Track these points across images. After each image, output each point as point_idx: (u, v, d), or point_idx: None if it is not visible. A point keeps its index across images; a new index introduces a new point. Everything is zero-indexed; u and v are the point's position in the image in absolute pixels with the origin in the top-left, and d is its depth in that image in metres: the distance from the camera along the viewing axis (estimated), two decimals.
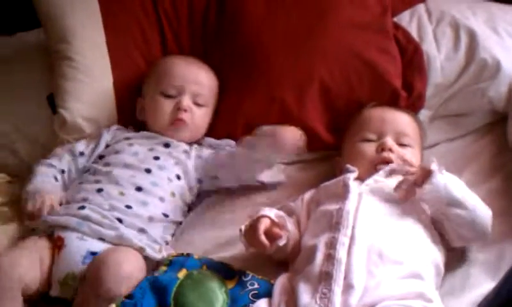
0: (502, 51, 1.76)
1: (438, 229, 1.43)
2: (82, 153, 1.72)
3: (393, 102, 1.73)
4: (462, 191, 1.39)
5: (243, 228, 1.44)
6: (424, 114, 1.76)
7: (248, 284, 1.41)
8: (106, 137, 1.75)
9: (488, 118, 1.79)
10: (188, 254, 1.49)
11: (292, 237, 1.47)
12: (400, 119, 1.64)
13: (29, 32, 2.08)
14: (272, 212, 1.45)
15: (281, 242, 1.41)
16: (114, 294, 1.37)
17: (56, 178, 1.66)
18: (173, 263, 1.48)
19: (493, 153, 1.70)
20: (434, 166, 1.37)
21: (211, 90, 1.79)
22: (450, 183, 1.38)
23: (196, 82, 1.76)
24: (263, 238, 1.39)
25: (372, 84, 1.75)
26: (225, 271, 1.44)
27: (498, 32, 1.80)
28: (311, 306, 1.28)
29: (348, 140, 1.66)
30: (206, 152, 1.74)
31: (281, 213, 1.48)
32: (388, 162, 1.54)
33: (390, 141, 1.57)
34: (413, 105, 1.75)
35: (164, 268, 1.48)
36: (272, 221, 1.43)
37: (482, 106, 1.77)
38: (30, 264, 1.45)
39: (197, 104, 1.75)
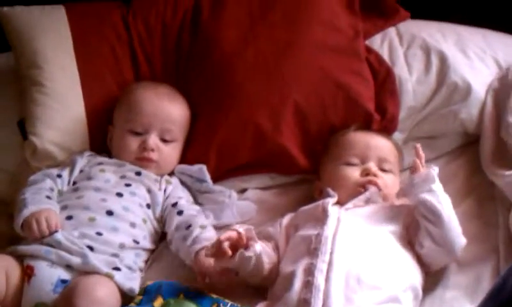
0: (472, 73, 1.78)
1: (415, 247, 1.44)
2: (59, 176, 1.69)
3: (366, 124, 1.74)
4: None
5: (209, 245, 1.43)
6: (397, 136, 1.77)
7: None
8: (80, 163, 1.72)
9: (460, 140, 1.81)
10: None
11: (269, 260, 1.46)
12: (383, 146, 1.65)
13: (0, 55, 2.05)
14: (241, 227, 1.43)
15: (247, 253, 1.39)
16: None
17: (48, 197, 1.61)
18: (147, 291, 1.46)
19: (466, 175, 1.72)
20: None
21: (181, 124, 1.77)
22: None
23: (165, 119, 1.73)
24: (225, 245, 1.38)
25: (345, 106, 1.76)
26: (203, 299, 1.43)
27: (468, 54, 1.83)
28: None
29: (329, 163, 1.66)
30: (174, 192, 1.70)
31: (250, 227, 1.46)
32: (373, 184, 1.56)
33: (374, 167, 1.59)
34: (386, 128, 1.76)
35: (139, 297, 1.46)
36: (239, 234, 1.41)
37: (454, 128, 1.79)
38: None
39: (165, 140, 1.73)
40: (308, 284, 1.33)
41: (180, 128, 1.76)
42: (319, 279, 1.33)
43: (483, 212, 1.58)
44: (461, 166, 1.75)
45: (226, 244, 1.39)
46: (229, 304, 1.41)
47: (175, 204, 1.66)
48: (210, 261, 1.45)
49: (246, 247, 1.40)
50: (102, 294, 1.40)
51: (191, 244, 1.54)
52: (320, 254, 1.37)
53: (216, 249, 1.40)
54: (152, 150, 1.70)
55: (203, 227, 1.58)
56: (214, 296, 1.44)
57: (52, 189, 1.65)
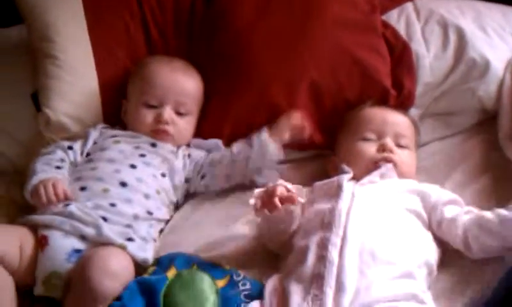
0: (490, 50, 1.76)
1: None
2: (70, 147, 1.68)
3: (383, 100, 1.73)
4: None
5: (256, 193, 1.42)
6: (413, 112, 1.75)
7: (239, 284, 1.39)
8: (93, 135, 1.72)
9: (477, 116, 1.79)
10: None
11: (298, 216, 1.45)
12: (400, 121, 1.64)
13: (11, 28, 2.03)
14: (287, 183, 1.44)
15: (293, 206, 1.39)
16: (102, 291, 1.35)
17: (57, 167, 1.61)
18: (161, 262, 1.46)
19: (482, 153, 1.70)
20: None
21: (196, 98, 1.77)
22: None
23: (180, 92, 1.72)
24: (276, 200, 1.37)
25: (362, 82, 1.75)
26: (216, 270, 1.43)
27: (487, 31, 1.81)
28: None
29: (346, 138, 1.65)
30: (195, 152, 1.72)
31: (299, 186, 1.46)
32: (389, 161, 1.55)
33: (390, 142, 1.58)
34: (402, 104, 1.74)
35: (152, 268, 1.46)
36: (288, 189, 1.41)
37: (471, 105, 1.77)
38: (8, 242, 1.43)
39: (180, 113, 1.73)
40: (322, 259, 1.33)
41: (195, 102, 1.76)
42: (333, 253, 1.33)
43: (499, 190, 1.56)
44: (478, 143, 1.73)
45: (276, 199, 1.38)
46: (242, 275, 1.41)
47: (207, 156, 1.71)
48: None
49: (293, 201, 1.40)
50: (115, 266, 1.40)
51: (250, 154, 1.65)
52: (334, 228, 1.37)
53: (267, 199, 1.39)
54: (167, 123, 1.70)
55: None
56: (227, 267, 1.44)
57: (62, 160, 1.65)
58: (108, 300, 1.35)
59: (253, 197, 1.41)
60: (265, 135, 1.67)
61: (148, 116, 1.71)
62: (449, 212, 1.43)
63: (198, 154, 1.72)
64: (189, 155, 1.71)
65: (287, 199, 1.39)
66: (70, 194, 1.53)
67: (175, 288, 1.36)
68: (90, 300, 1.35)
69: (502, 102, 1.72)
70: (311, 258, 1.34)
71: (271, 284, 1.37)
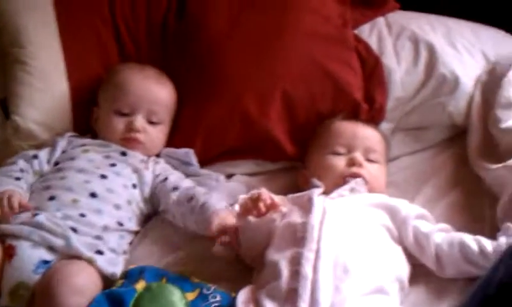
0: (460, 66, 1.78)
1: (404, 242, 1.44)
2: (35, 156, 1.66)
3: (354, 113, 1.73)
4: None
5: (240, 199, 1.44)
6: (384, 126, 1.76)
7: (209, 297, 1.38)
8: (61, 144, 1.69)
9: (448, 132, 1.80)
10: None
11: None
12: (371, 136, 1.64)
13: None
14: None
15: (275, 215, 1.42)
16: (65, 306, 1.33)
17: (17, 178, 1.58)
18: (129, 275, 1.44)
19: (453, 168, 1.71)
20: None
21: (168, 107, 1.75)
22: None
23: (152, 101, 1.70)
24: (261, 205, 1.40)
25: (333, 95, 1.75)
26: (185, 283, 1.41)
27: (457, 47, 1.82)
28: None
29: (316, 151, 1.65)
30: (160, 166, 1.69)
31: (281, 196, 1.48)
32: (358, 176, 1.55)
33: (359, 156, 1.58)
34: (373, 118, 1.75)
35: (120, 281, 1.44)
36: (271, 197, 1.43)
37: (442, 120, 1.79)
38: None
39: (151, 122, 1.71)
40: (296, 274, 1.32)
41: (167, 111, 1.74)
42: (307, 268, 1.32)
43: (469, 204, 1.58)
44: (448, 158, 1.74)
45: (262, 204, 1.40)
46: (212, 289, 1.40)
47: (164, 180, 1.64)
48: (232, 219, 1.47)
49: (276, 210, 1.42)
50: (81, 282, 1.38)
51: (202, 212, 1.52)
52: (307, 243, 1.36)
53: (251, 204, 1.40)
54: (139, 131, 1.68)
55: (206, 193, 1.58)
56: (196, 280, 1.43)
57: (22, 170, 1.61)
58: None
59: (237, 204, 1.42)
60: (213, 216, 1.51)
61: (120, 123, 1.69)
62: (420, 227, 1.43)
63: (162, 168, 1.69)
64: (153, 170, 1.68)
65: (271, 206, 1.40)
66: (26, 205, 1.51)
67: (144, 300, 1.34)
68: None
69: (471, 118, 1.73)
70: (285, 273, 1.33)
71: (243, 296, 1.36)
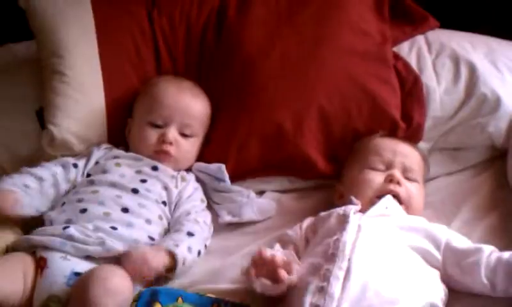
0: (502, 86, 1.74)
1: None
2: (75, 165, 1.66)
3: (391, 132, 1.71)
4: None
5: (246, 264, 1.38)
6: (422, 146, 1.73)
7: None
8: (97, 154, 1.70)
9: (487, 153, 1.76)
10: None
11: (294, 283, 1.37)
12: (410, 154, 1.63)
13: (20, 44, 2.04)
14: (278, 251, 1.40)
15: (294, 278, 1.34)
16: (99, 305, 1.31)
17: (25, 185, 1.58)
18: (143, 296, 1.39)
19: (491, 189, 1.67)
20: None
21: (202, 120, 1.75)
22: None
23: (186, 113, 1.70)
24: (282, 272, 1.32)
25: (371, 113, 1.73)
26: (201, 300, 1.38)
27: (498, 67, 1.79)
28: None
29: (353, 166, 1.63)
30: (189, 191, 1.67)
31: (288, 251, 1.42)
32: (394, 194, 1.52)
33: (398, 174, 1.56)
34: (411, 137, 1.72)
35: (134, 303, 1.38)
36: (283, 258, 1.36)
37: (481, 141, 1.75)
38: (12, 278, 1.40)
39: (184, 135, 1.71)
40: (322, 290, 1.29)
41: (201, 124, 1.74)
42: (334, 286, 1.28)
43: (507, 227, 1.53)
44: (486, 180, 1.70)
45: (282, 271, 1.32)
46: (229, 304, 1.37)
47: (187, 214, 1.61)
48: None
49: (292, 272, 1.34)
50: (116, 283, 1.36)
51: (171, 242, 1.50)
52: (337, 261, 1.33)
53: (270, 271, 1.33)
54: (171, 143, 1.68)
55: (190, 234, 1.55)
56: (213, 296, 1.40)
57: (41, 178, 1.60)
58: None
59: (248, 267, 1.36)
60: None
61: (152, 135, 1.69)
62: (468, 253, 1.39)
63: (189, 194, 1.67)
64: (181, 195, 1.65)
65: (286, 267, 1.33)
66: (18, 209, 1.51)
67: None
68: None
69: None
70: (311, 289, 1.30)
71: None
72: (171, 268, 1.48)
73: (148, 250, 1.46)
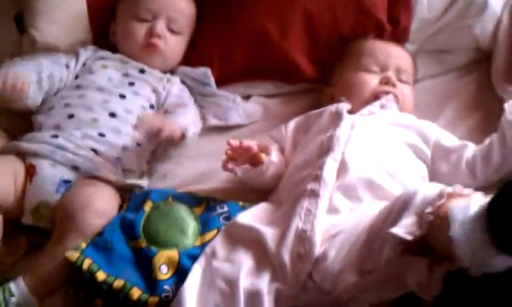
0: None
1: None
2: (67, 66, 1.64)
3: (377, 34, 1.69)
4: None
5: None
6: (408, 48, 1.72)
7: (217, 208, 1.39)
8: (84, 55, 1.68)
9: (472, 55, 1.76)
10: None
11: (275, 166, 1.45)
12: (403, 56, 1.63)
13: None
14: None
15: (273, 159, 1.42)
16: (86, 227, 1.35)
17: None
18: (134, 198, 1.44)
19: (475, 91, 1.68)
20: None
21: (188, 17, 1.73)
22: None
23: (173, 8, 1.69)
24: (261, 154, 1.41)
25: (356, 15, 1.71)
26: (191, 199, 1.42)
27: None
28: (295, 222, 1.26)
29: (346, 69, 1.63)
30: (175, 90, 1.68)
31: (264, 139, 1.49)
32: (391, 94, 1.54)
33: (393, 76, 1.57)
34: (397, 39, 1.71)
35: (126, 204, 1.44)
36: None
37: (467, 43, 1.74)
38: (2, 180, 1.42)
39: (172, 31, 1.69)
40: (317, 178, 1.32)
41: (187, 22, 1.73)
42: (329, 174, 1.32)
43: (490, 126, 1.53)
44: (471, 82, 1.71)
45: (261, 154, 1.41)
46: (218, 200, 1.41)
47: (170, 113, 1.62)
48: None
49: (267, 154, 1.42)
50: (103, 205, 1.40)
51: None
52: (332, 153, 1.36)
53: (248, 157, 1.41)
54: (159, 37, 1.66)
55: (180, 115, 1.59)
56: (203, 195, 1.43)
57: (50, 68, 1.59)
58: (90, 235, 1.34)
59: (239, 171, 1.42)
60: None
61: (140, 30, 1.67)
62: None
63: (176, 95, 1.68)
64: (169, 93, 1.66)
65: (263, 150, 1.42)
66: (26, 88, 1.51)
67: (153, 219, 1.35)
68: (73, 235, 1.34)
69: (497, 41, 1.69)
70: (307, 177, 1.34)
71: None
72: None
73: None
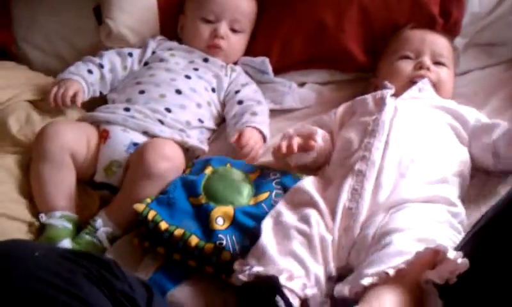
0: None
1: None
2: (130, 54, 1.80)
3: (429, 27, 1.74)
4: None
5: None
6: (458, 41, 1.78)
7: (270, 174, 1.49)
8: (152, 45, 1.83)
9: None
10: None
11: (322, 149, 1.53)
12: (438, 41, 1.68)
13: None
14: (295, 131, 1.54)
15: (312, 154, 1.50)
16: (156, 170, 1.48)
17: (89, 71, 1.73)
18: (196, 164, 1.56)
19: None
20: None
21: (249, 16, 1.85)
22: None
23: (235, 9, 1.81)
24: (310, 141, 1.49)
25: (410, 8, 1.77)
26: (247, 166, 1.52)
27: None
28: (342, 199, 1.34)
29: (386, 58, 1.70)
30: (242, 79, 1.79)
31: (308, 126, 1.56)
32: (424, 78, 1.60)
33: (427, 60, 1.63)
34: (448, 32, 1.76)
35: (189, 169, 1.55)
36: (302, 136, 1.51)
37: None
38: (77, 137, 1.57)
39: (234, 30, 1.81)
40: (364, 158, 1.40)
41: (248, 20, 1.84)
42: (375, 155, 1.39)
43: None
44: None
45: (310, 141, 1.49)
46: (271, 170, 1.50)
47: (237, 92, 1.75)
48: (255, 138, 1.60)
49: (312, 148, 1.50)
50: (170, 150, 1.53)
51: (237, 122, 1.66)
52: (377, 135, 1.43)
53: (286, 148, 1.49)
54: (222, 38, 1.79)
55: (253, 114, 1.67)
56: (257, 165, 1.54)
57: (101, 65, 1.75)
58: (160, 180, 1.47)
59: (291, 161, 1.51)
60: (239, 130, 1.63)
61: (205, 30, 1.80)
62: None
63: (238, 78, 1.79)
64: (230, 76, 1.78)
65: (310, 137, 1.50)
66: (78, 100, 1.66)
67: (212, 181, 1.45)
68: (145, 178, 1.48)
69: None
70: (355, 157, 1.41)
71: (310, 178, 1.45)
72: None
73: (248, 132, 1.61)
